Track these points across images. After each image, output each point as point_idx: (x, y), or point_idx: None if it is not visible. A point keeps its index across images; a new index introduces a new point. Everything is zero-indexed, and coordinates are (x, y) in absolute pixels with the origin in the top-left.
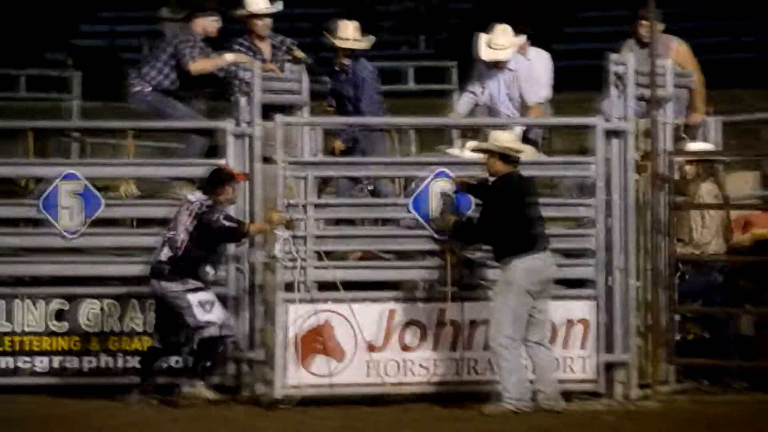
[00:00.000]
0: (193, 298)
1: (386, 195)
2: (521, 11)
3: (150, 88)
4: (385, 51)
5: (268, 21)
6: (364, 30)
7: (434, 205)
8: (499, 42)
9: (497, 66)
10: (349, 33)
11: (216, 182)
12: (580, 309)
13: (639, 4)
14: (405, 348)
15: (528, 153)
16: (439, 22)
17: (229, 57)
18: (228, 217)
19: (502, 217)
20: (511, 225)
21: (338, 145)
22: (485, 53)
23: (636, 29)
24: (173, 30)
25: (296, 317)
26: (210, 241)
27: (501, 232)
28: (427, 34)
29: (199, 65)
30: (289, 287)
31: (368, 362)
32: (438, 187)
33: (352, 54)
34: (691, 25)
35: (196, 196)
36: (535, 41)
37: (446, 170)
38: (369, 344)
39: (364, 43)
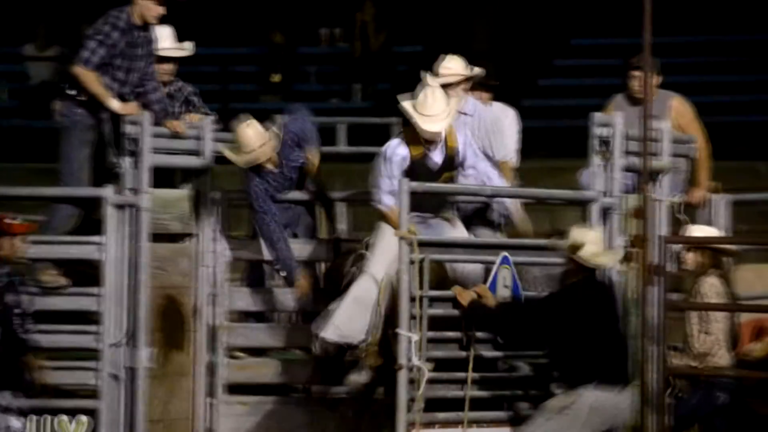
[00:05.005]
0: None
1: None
2: (480, 53)
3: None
4: (311, 103)
5: (172, 66)
6: (288, 78)
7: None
8: (448, 65)
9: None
10: (255, 141)
11: None
12: None
13: (632, 52)
14: None
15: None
16: (379, 68)
17: (114, 104)
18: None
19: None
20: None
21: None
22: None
23: (627, 82)
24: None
25: None
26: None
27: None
28: (363, 84)
29: (85, 80)
30: None
31: None
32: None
33: None
34: (697, 80)
35: None
36: (500, 96)
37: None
38: None
39: (272, 141)
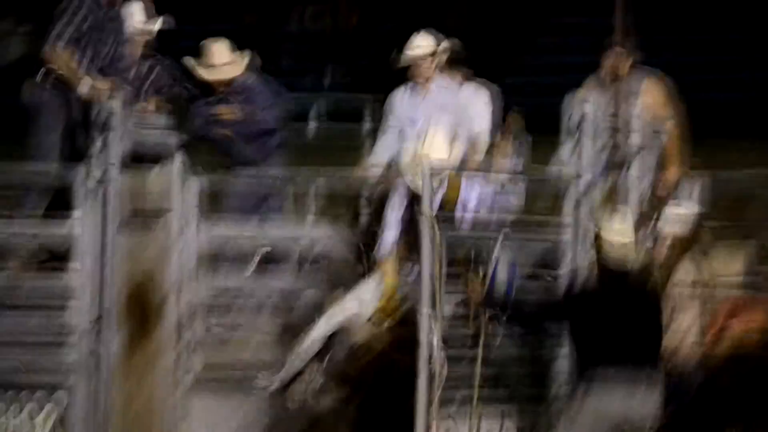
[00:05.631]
0: None
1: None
2: (456, 31)
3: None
4: (284, 81)
5: (145, 41)
6: (262, 58)
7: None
8: (417, 42)
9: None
10: (222, 57)
11: None
12: None
13: (608, 31)
14: None
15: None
16: (353, 47)
17: (85, 84)
18: None
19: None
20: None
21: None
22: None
23: (603, 62)
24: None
25: None
26: None
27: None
28: (337, 63)
29: (55, 60)
30: None
31: None
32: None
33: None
34: (678, 59)
35: None
36: (480, 73)
37: None
38: None
39: (240, 64)
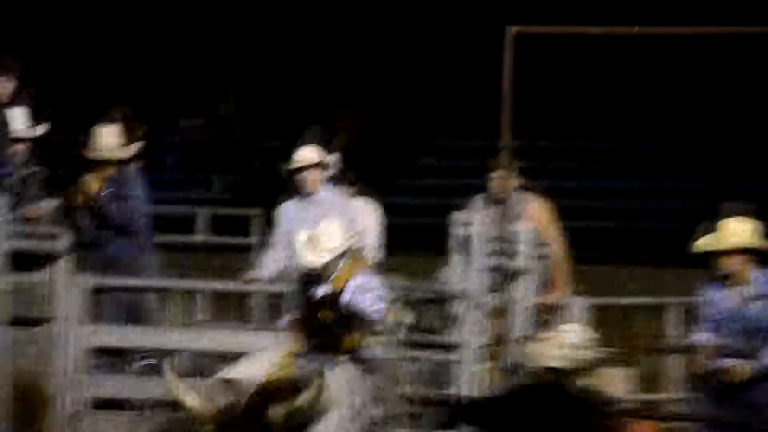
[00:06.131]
0: None
1: None
2: (342, 149)
3: None
4: (169, 193)
5: (25, 147)
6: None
7: None
8: (302, 152)
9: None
10: (109, 139)
11: None
12: None
13: (491, 154)
14: None
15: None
16: (240, 159)
17: None
18: None
19: None
20: None
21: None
22: None
23: (487, 183)
24: None
25: None
26: None
27: None
28: (224, 174)
29: None
30: None
31: None
32: None
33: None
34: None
35: None
36: (364, 192)
37: None
38: None
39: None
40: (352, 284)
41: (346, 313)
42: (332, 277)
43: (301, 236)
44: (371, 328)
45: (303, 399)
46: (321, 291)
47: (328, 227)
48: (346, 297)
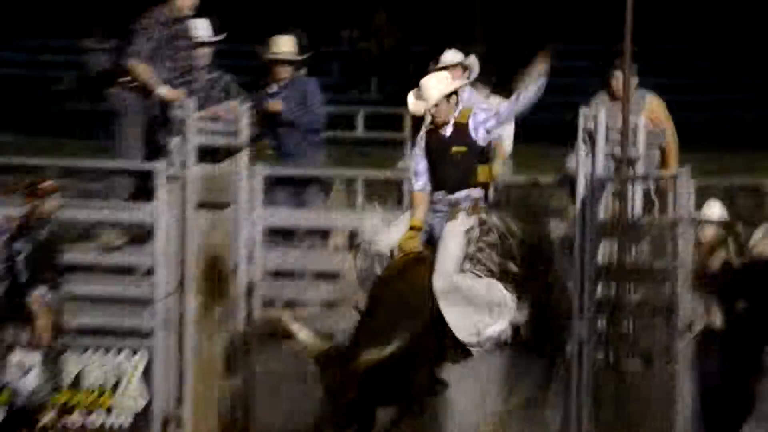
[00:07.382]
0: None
1: None
2: (480, 53)
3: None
4: (333, 95)
5: (208, 51)
6: (311, 72)
7: None
8: (445, 57)
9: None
10: (286, 46)
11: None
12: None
13: (612, 55)
14: None
15: None
16: (393, 65)
17: (162, 91)
18: None
19: None
20: None
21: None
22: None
23: (609, 81)
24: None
25: None
26: None
27: None
28: (379, 78)
29: (135, 71)
30: None
31: None
32: None
33: (292, 67)
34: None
35: None
36: (503, 92)
37: None
38: None
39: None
40: (472, 121)
41: (475, 146)
42: (451, 120)
43: (410, 97)
44: (499, 154)
45: (387, 350)
46: (447, 132)
47: (428, 79)
48: (471, 129)
